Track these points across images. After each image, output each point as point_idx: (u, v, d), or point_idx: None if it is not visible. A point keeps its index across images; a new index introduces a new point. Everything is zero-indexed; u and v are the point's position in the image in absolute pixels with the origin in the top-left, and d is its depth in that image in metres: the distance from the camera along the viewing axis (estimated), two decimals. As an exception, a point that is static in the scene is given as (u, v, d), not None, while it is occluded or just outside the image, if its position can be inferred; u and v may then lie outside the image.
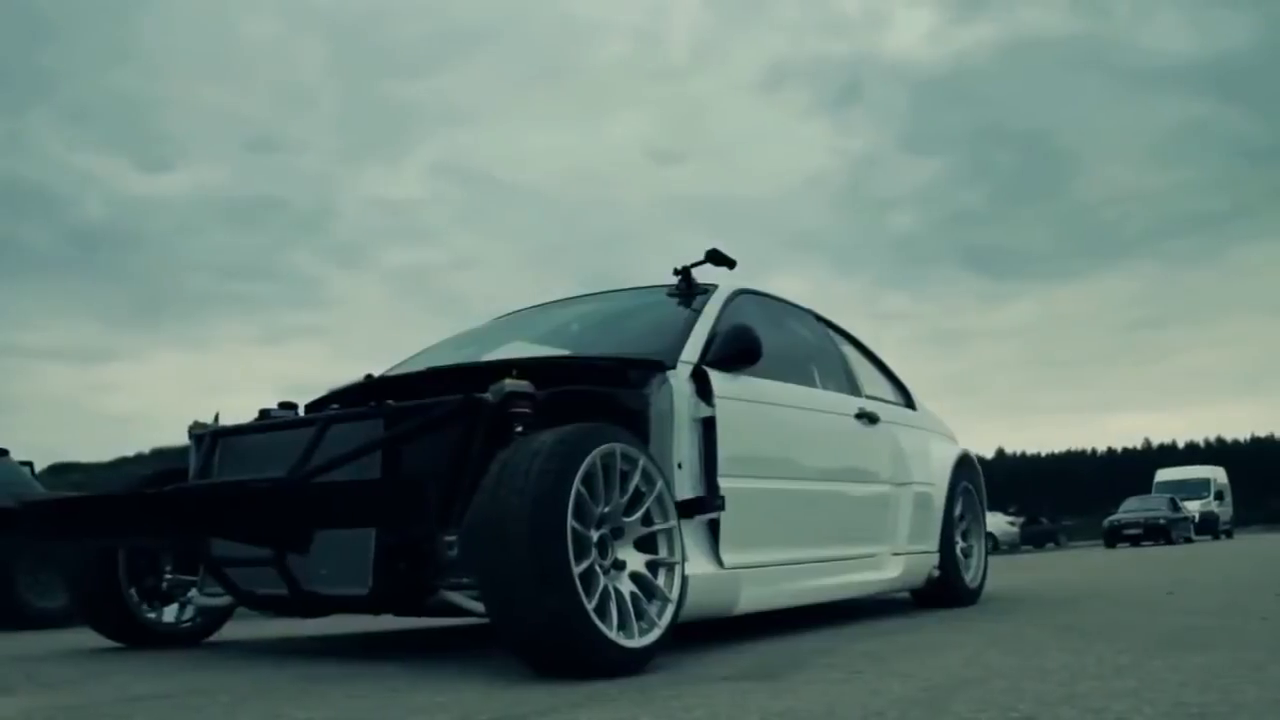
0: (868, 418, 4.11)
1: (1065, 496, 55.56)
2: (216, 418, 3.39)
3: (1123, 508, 24.10)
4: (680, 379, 3.05)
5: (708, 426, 3.06)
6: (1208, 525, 25.11)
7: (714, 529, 3.03)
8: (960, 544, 4.67)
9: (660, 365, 3.06)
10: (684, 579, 2.68)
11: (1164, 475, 28.63)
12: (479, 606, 2.65)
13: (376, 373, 3.69)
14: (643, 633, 2.49)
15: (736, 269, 3.74)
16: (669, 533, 2.68)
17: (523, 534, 2.26)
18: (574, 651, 2.32)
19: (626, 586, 2.52)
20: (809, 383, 3.88)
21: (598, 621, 2.34)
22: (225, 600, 3.19)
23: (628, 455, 2.57)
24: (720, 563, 3.01)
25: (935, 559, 4.41)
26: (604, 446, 2.48)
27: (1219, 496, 27.10)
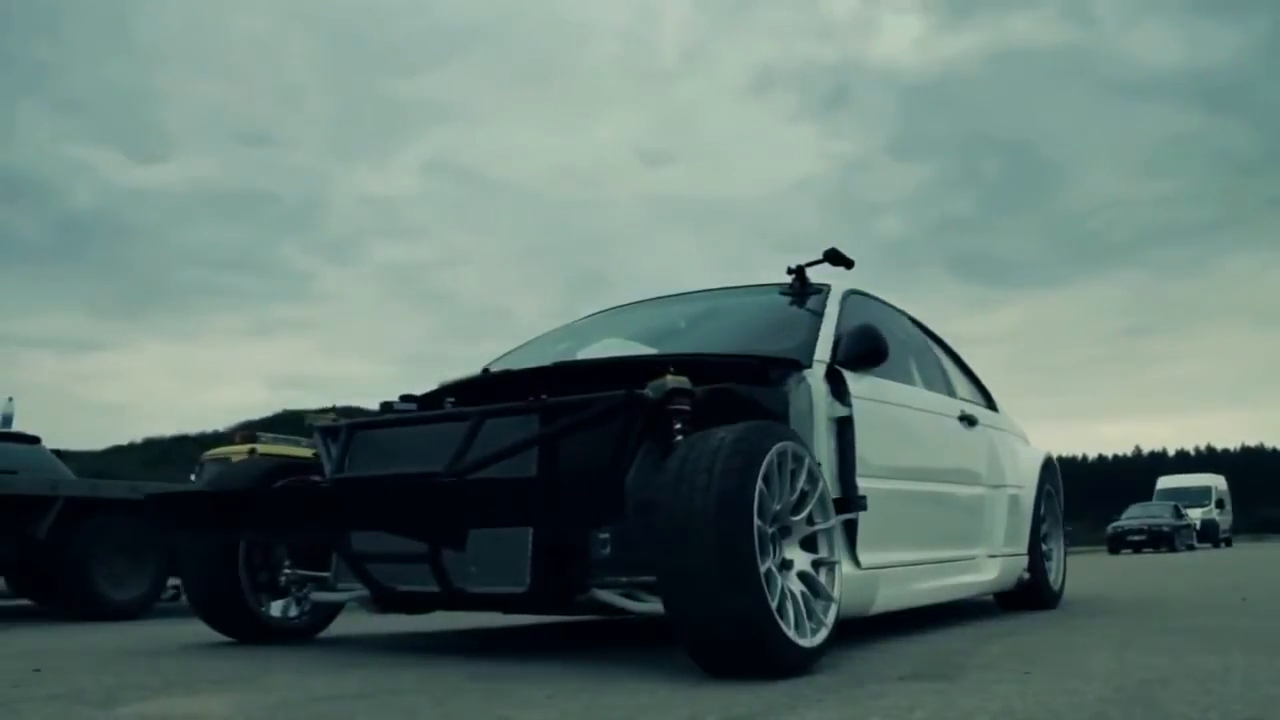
0: (968, 420, 4.11)
1: (1057, 503, 55.50)
2: (333, 409, 3.35)
3: (1126, 514, 24.17)
4: (817, 378, 3.04)
5: (842, 426, 3.04)
6: (1209, 533, 25.20)
7: (851, 529, 3.01)
8: (1041, 546, 4.66)
9: (797, 364, 3.04)
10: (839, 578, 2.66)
11: (1165, 482, 28.70)
12: (632, 604, 2.63)
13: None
14: (813, 632, 2.47)
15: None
16: (829, 532, 2.66)
17: (709, 533, 2.24)
18: (758, 652, 2.29)
19: (796, 586, 2.50)
20: (915, 384, 3.87)
21: (780, 621, 2.32)
22: (342, 596, 3.16)
23: (796, 454, 2.55)
24: (857, 563, 3.00)
25: (1025, 561, 4.41)
26: (779, 445, 2.46)
27: (1220, 504, 27.21)
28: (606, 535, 2.67)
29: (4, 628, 4.20)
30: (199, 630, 3.76)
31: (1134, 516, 23.69)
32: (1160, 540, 22.34)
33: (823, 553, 2.63)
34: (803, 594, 2.50)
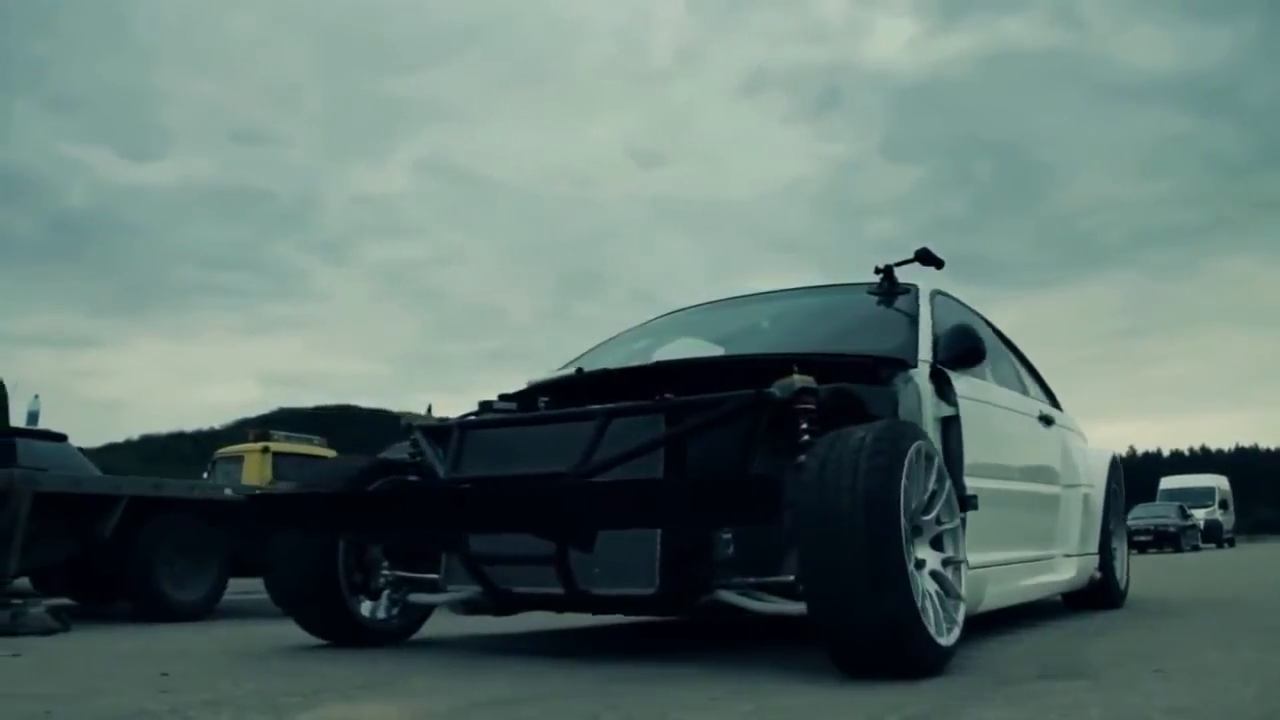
0: (1045, 419, 4.12)
1: (1054, 503, 55.54)
2: (429, 409, 3.34)
3: (1132, 514, 24.13)
4: (923, 377, 3.03)
5: (948, 426, 3.04)
6: (1212, 533, 25.26)
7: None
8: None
9: (903, 363, 3.04)
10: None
11: (1169, 483, 28.76)
12: (754, 604, 2.63)
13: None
14: (948, 631, 2.47)
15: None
16: (954, 531, 2.66)
17: (857, 532, 2.24)
18: (902, 651, 2.29)
19: (931, 585, 2.50)
20: (999, 384, 3.87)
21: (924, 621, 2.32)
22: (442, 598, 3.14)
23: (929, 454, 2.55)
24: (967, 562, 3.00)
25: (1096, 560, 4.43)
26: (915, 444, 2.46)
27: (1223, 505, 27.29)
28: (729, 536, 2.67)
29: (77, 630, 4.16)
30: (276, 632, 3.76)
31: (1140, 517, 23.67)
32: (1166, 540, 22.38)
33: (949, 551, 2.64)
34: (937, 593, 2.50)
